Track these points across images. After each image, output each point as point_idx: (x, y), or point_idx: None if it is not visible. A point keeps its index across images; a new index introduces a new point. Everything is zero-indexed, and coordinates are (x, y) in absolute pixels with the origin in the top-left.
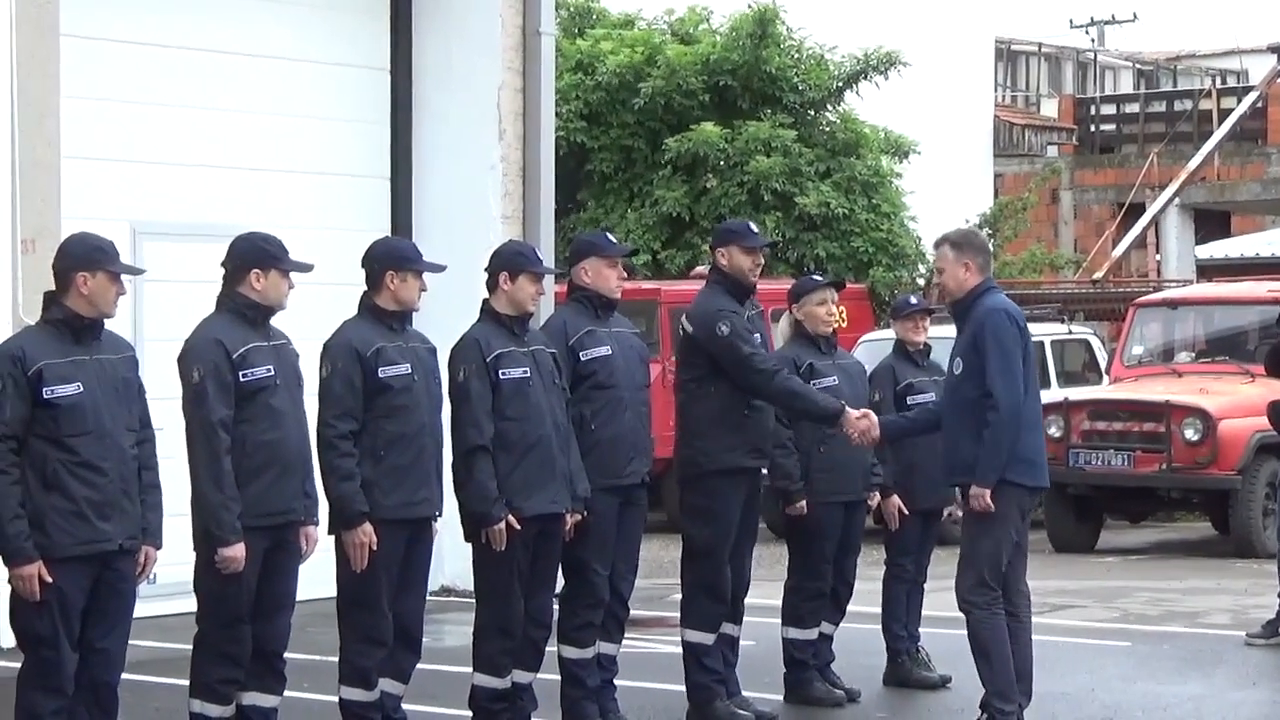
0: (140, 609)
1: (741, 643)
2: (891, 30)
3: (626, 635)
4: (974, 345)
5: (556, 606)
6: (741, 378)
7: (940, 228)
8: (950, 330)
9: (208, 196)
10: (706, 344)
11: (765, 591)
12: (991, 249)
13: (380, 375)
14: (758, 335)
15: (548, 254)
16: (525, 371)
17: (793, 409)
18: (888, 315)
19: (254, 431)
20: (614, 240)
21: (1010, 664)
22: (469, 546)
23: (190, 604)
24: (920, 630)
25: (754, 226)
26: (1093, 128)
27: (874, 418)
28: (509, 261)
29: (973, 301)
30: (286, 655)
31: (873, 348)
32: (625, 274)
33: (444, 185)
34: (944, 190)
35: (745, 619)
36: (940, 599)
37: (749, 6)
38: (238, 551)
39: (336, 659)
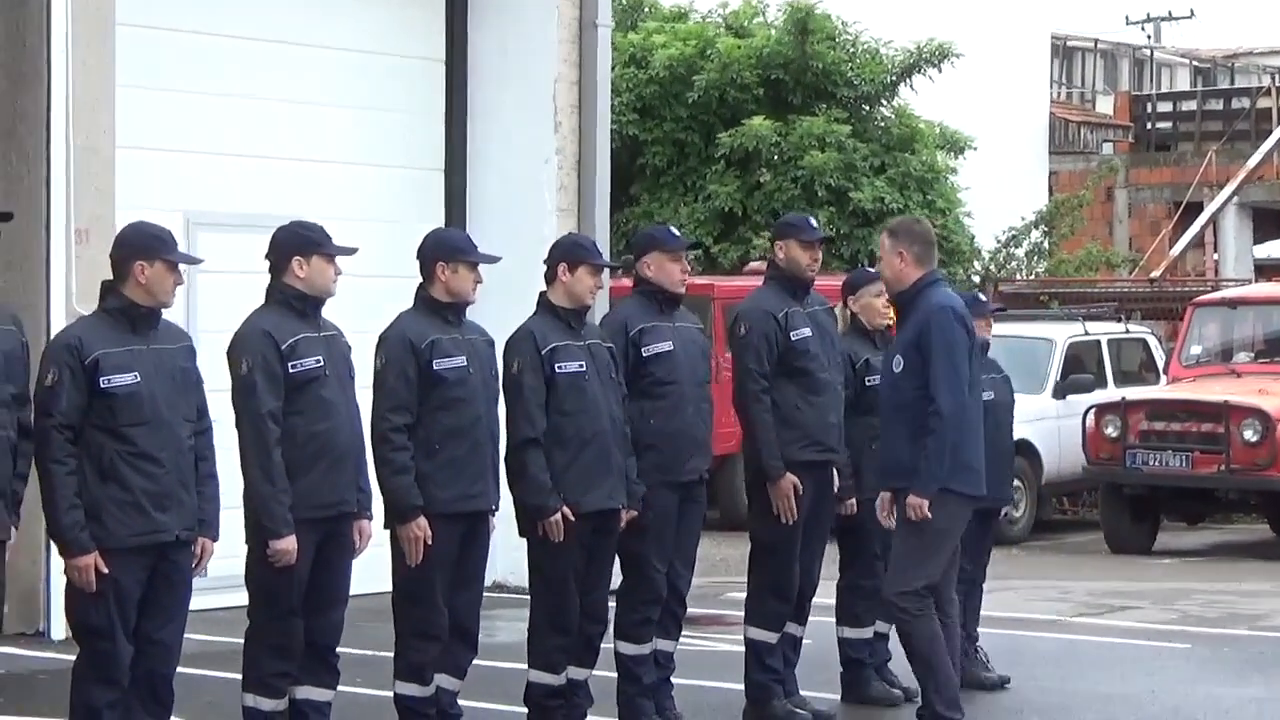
0: (192, 602)
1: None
2: (947, 25)
3: (683, 633)
4: (916, 344)
5: (613, 603)
6: (736, 383)
7: (996, 224)
8: (1013, 327)
9: (262, 187)
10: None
11: (819, 590)
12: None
13: (435, 368)
14: (808, 330)
15: (603, 248)
16: (581, 365)
17: (746, 438)
18: None
19: (304, 423)
20: (677, 234)
21: (953, 670)
22: (522, 542)
23: (242, 598)
24: (979, 630)
25: (814, 220)
26: (1149, 125)
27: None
28: (568, 253)
29: (915, 295)
30: (340, 650)
31: None
32: (688, 268)
33: (499, 178)
34: (999, 187)
35: None
36: (998, 599)
37: (789, 5)
38: (289, 544)
39: (391, 654)
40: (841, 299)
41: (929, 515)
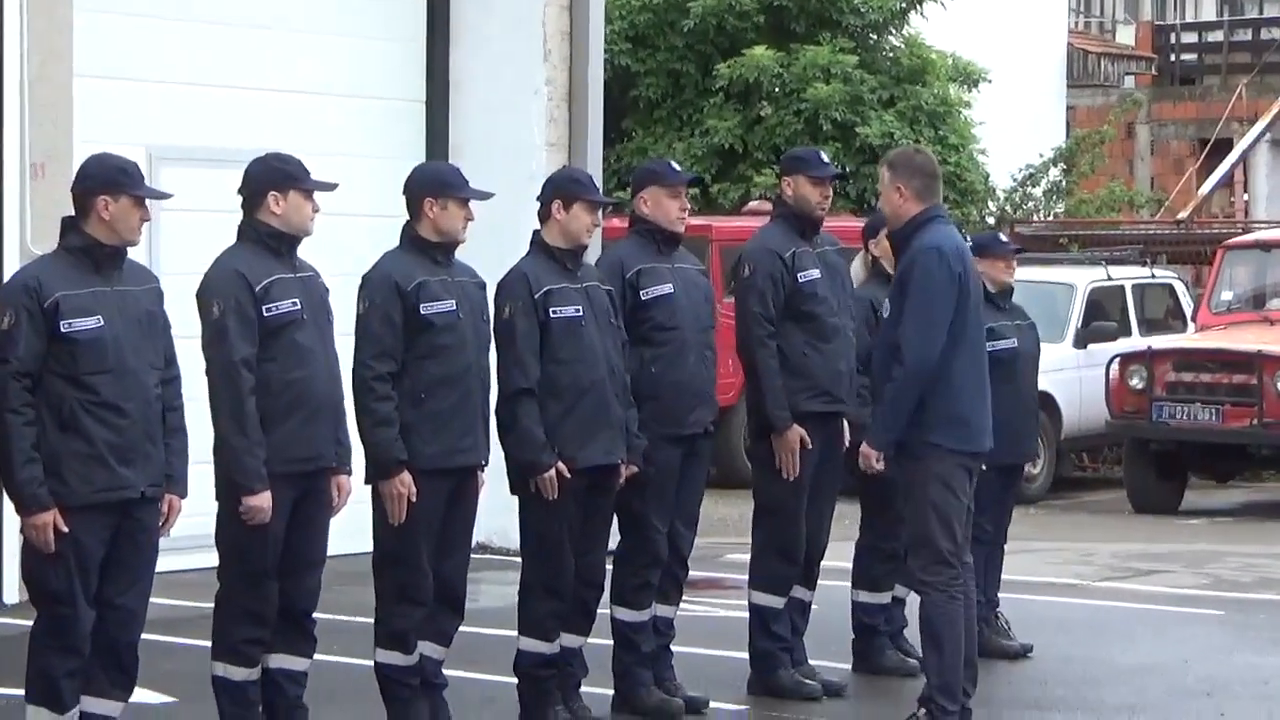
0: (158, 564)
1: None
2: None
3: (684, 597)
4: (901, 287)
5: (610, 565)
6: (739, 328)
7: (1011, 162)
8: (1030, 272)
9: (230, 119)
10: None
11: (835, 552)
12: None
13: (422, 312)
14: (817, 271)
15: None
16: (578, 310)
17: (751, 389)
18: None
19: (279, 370)
20: (677, 168)
21: (960, 658)
22: (511, 500)
23: (212, 559)
24: (999, 595)
25: (824, 155)
26: (1172, 57)
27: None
28: (563, 188)
29: (911, 233)
30: (317, 615)
31: None
32: (688, 206)
33: (484, 109)
34: (1014, 122)
35: None
36: (1016, 561)
37: None
38: (263, 500)
39: (372, 620)
40: (862, 242)
41: (877, 467)
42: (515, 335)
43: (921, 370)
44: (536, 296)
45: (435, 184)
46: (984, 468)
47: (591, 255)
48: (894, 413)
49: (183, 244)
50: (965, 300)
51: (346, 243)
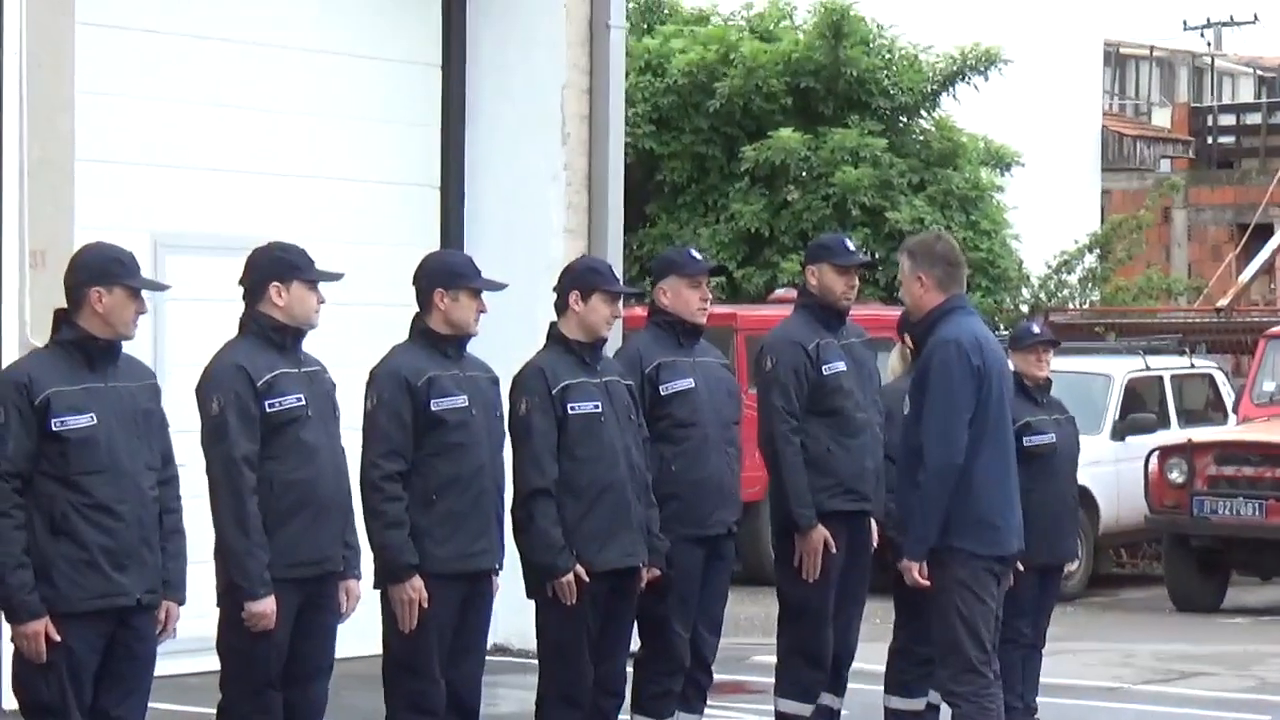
0: (156, 667)
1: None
2: (990, 30)
3: (708, 704)
4: (920, 384)
5: (630, 672)
6: (761, 423)
7: (1045, 247)
8: (1066, 362)
9: (238, 205)
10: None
11: (866, 654)
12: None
13: (433, 408)
14: (841, 364)
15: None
16: (597, 406)
17: (775, 488)
18: None
19: (282, 469)
20: (698, 257)
21: None
22: (528, 601)
23: (213, 661)
24: (1037, 700)
25: (850, 243)
26: (1210, 140)
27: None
28: (581, 279)
29: (931, 326)
30: None
31: None
32: (709, 296)
33: (500, 195)
34: (1047, 206)
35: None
36: (1053, 663)
37: (822, 5)
38: (267, 606)
39: None
40: (898, 334)
41: (921, 581)
42: (532, 433)
43: (945, 470)
44: (554, 392)
45: (446, 274)
46: (1020, 568)
47: (610, 346)
48: (925, 518)
49: (189, 335)
50: (988, 395)
51: (357, 333)
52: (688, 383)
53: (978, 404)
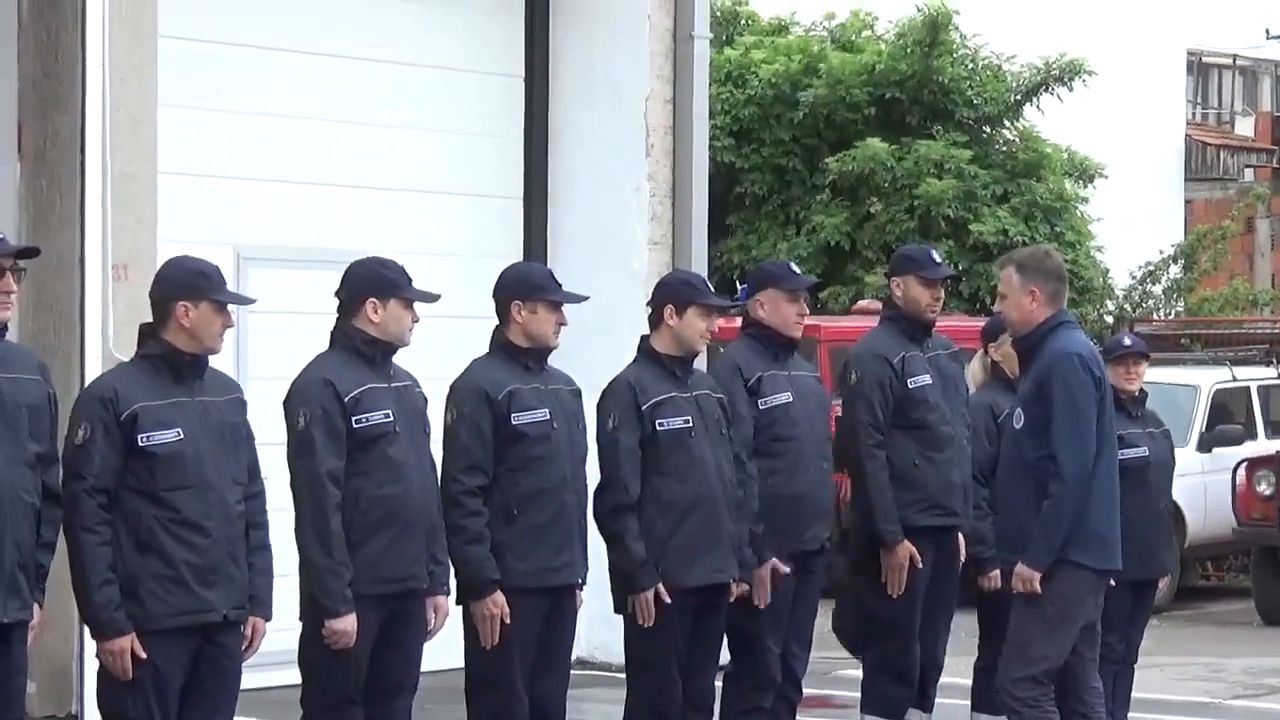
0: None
1: None
2: (1073, 41)
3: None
4: (1039, 395)
5: (720, 687)
6: (846, 437)
7: (1129, 258)
8: (1151, 373)
9: (321, 218)
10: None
11: (954, 668)
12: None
13: (514, 422)
14: (928, 377)
15: None
16: (687, 421)
17: (857, 503)
18: None
19: (369, 485)
20: (798, 271)
21: None
22: (616, 615)
23: (294, 675)
24: (1128, 716)
25: (936, 255)
26: None
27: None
28: (676, 293)
29: (1041, 339)
30: None
31: None
32: (806, 311)
33: (584, 207)
34: (1131, 217)
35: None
36: (1140, 678)
37: (918, 10)
38: (347, 624)
39: None
40: (981, 346)
41: (1037, 589)
42: (619, 450)
43: (1083, 480)
44: (644, 408)
45: (523, 286)
46: (1113, 584)
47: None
48: (1055, 530)
49: (272, 348)
50: (1103, 408)
51: (440, 347)
52: (786, 396)
53: (1096, 417)
